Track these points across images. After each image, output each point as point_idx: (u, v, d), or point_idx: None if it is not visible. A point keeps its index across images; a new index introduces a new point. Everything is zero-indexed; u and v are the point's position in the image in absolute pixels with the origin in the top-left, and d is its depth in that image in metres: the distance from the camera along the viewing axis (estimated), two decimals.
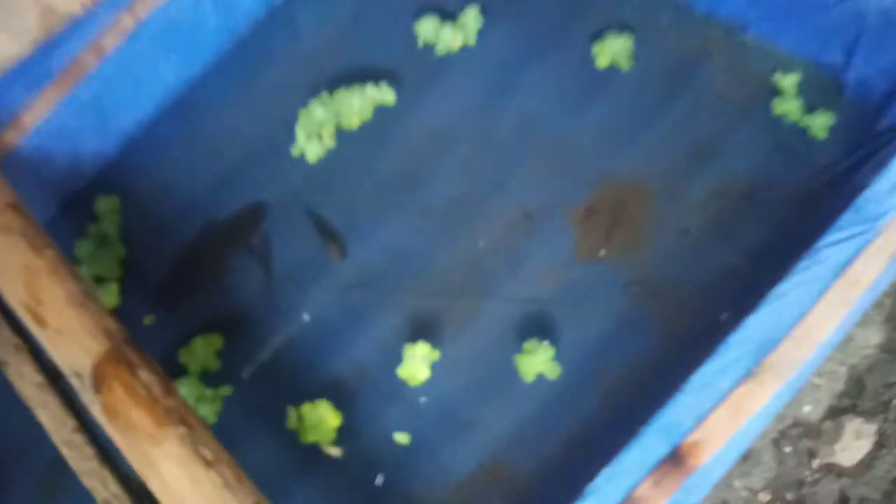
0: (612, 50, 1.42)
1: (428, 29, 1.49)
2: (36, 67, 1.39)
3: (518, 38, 1.50)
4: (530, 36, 1.49)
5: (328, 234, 1.43)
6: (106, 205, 1.46)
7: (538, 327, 1.30)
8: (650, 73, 1.43)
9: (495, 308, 1.33)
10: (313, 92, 1.50)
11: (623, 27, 1.46)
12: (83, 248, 1.43)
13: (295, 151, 1.46)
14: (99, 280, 1.42)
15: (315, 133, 1.45)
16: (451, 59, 1.50)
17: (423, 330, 1.33)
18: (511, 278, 1.35)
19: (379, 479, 1.26)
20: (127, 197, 1.49)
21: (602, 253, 1.34)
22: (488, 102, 1.47)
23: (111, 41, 1.43)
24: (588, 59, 1.45)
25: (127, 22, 1.43)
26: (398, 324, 1.35)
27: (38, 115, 1.40)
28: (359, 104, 1.45)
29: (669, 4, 1.46)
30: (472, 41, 1.49)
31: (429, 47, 1.51)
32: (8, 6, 1.35)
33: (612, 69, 1.44)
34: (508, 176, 1.42)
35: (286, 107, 1.51)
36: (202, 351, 1.35)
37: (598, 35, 1.46)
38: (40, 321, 1.12)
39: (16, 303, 1.14)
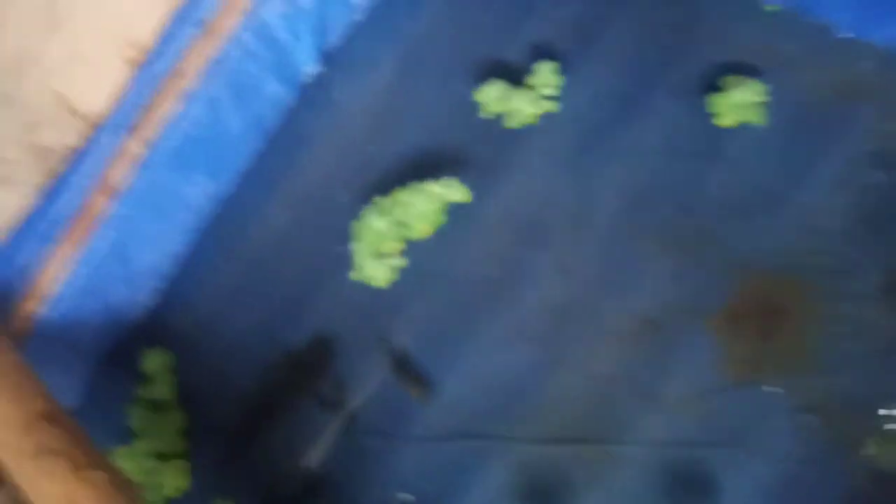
0: (738, 104, 1.11)
1: (494, 97, 1.20)
2: (43, 221, 1.17)
3: (609, 94, 1.19)
4: (625, 90, 1.19)
5: (407, 372, 1.19)
6: (156, 362, 1.24)
7: (691, 478, 1.05)
8: (787, 123, 1.12)
9: (630, 454, 1.08)
10: (365, 191, 1.24)
11: (744, 68, 1.14)
12: (138, 417, 1.22)
13: (355, 276, 1.21)
14: (162, 457, 1.21)
15: (377, 251, 1.20)
16: (527, 131, 1.21)
17: (540, 489, 1.10)
18: (644, 412, 1.09)
19: None
20: (174, 345, 1.27)
21: (757, 370, 1.07)
22: (582, 181, 1.19)
23: (121, 174, 1.19)
24: (702, 112, 1.15)
25: (135, 148, 1.19)
26: (508, 482, 1.11)
27: (56, 276, 1.19)
28: (425, 207, 1.19)
29: (803, 30, 1.13)
30: (550, 106, 1.20)
31: (497, 119, 1.23)
32: (1, 157, 1.13)
33: (741, 127, 1.14)
34: (620, 273, 1.15)
35: (336, 209, 1.26)
36: None
37: (711, 78, 1.15)
38: None
39: None
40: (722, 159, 1.14)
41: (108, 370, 1.25)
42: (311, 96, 1.30)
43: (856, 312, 1.05)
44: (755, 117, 1.12)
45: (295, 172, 1.30)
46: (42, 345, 1.18)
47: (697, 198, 1.14)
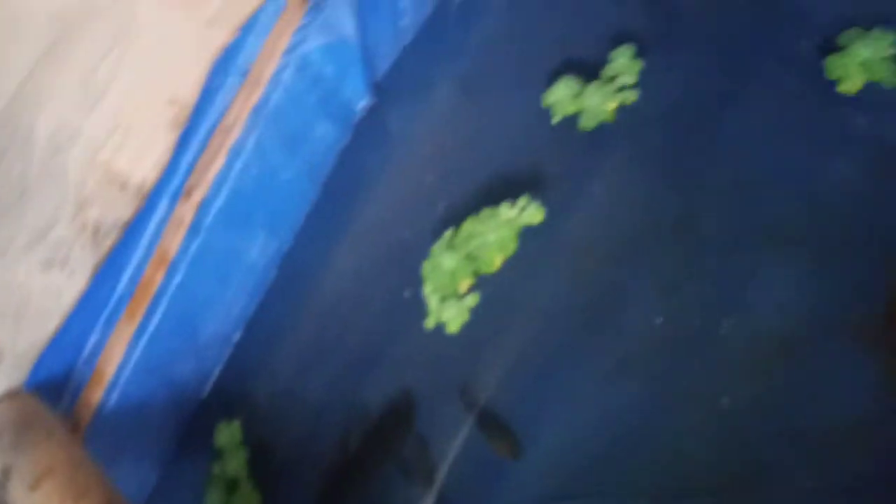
0: (867, 62, 0.89)
1: (564, 96, 1.05)
2: (98, 300, 1.12)
3: (699, 73, 1.01)
4: (717, 67, 1.00)
5: (493, 426, 1.03)
6: (227, 436, 1.16)
7: None
8: None
9: None
10: (431, 225, 1.11)
11: (865, 17, 0.93)
12: (213, 499, 1.14)
13: (429, 323, 1.08)
14: None
15: (450, 292, 1.06)
16: (604, 131, 1.04)
17: None
18: (794, 451, 0.87)
19: None
20: (245, 415, 1.18)
21: None
22: (675, 182, 1.01)
23: (176, 242, 1.13)
24: (819, 79, 0.94)
25: (187, 213, 1.12)
26: None
27: (117, 357, 1.13)
28: (497, 236, 1.04)
29: None
30: (630, 98, 1.03)
31: (570, 121, 1.06)
32: (53, 239, 1.09)
33: (868, 89, 0.92)
34: (737, 286, 0.95)
35: (403, 249, 1.14)
36: None
37: (826, 37, 0.95)
38: None
39: None
40: (850, 134, 0.92)
41: (181, 450, 1.18)
42: (364, 132, 1.21)
43: None
44: (887, 75, 0.89)
45: (354, 216, 1.20)
46: (109, 432, 1.12)
47: (824, 185, 0.93)
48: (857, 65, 0.90)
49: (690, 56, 1.02)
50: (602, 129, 1.03)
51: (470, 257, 1.06)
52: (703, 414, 0.93)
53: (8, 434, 1.05)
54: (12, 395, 1.09)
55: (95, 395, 1.12)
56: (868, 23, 0.93)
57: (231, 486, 1.13)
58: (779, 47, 0.98)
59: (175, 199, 1.13)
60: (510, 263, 1.06)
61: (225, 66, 1.13)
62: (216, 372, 1.21)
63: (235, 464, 1.13)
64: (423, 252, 1.10)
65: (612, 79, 1.02)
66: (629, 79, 1.01)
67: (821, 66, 0.94)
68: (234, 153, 1.12)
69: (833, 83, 0.92)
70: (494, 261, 1.05)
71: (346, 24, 1.15)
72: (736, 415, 0.91)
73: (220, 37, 1.11)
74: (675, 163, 1.01)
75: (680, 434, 0.93)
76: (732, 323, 0.94)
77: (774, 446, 0.89)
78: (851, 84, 0.90)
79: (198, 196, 1.12)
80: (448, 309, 1.06)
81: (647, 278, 0.99)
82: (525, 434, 1.01)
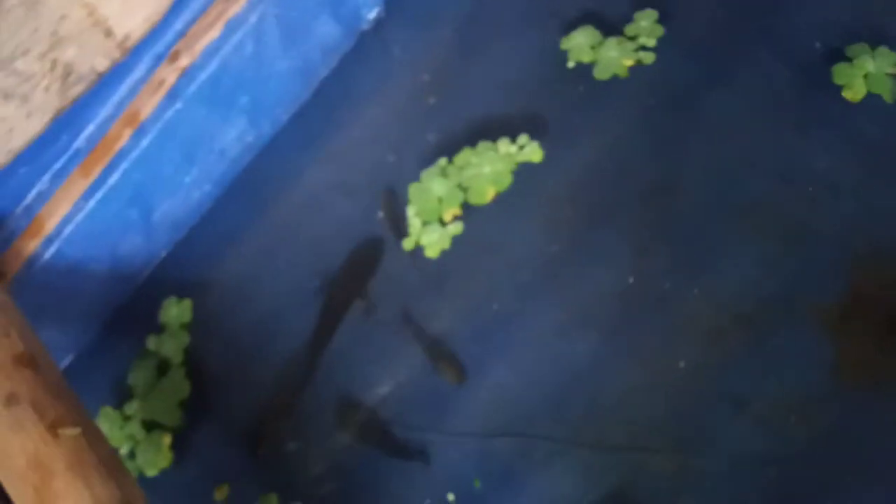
0: (870, 75, 0.94)
1: (583, 44, 1.06)
2: (54, 149, 1.04)
3: (711, 49, 1.04)
4: (729, 46, 1.03)
5: (441, 352, 1.02)
6: (174, 314, 1.09)
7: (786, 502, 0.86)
8: None
9: (720, 470, 0.89)
10: (418, 149, 1.10)
11: (877, 40, 0.98)
12: (139, 376, 1.07)
13: (407, 245, 1.06)
14: (150, 426, 1.05)
15: (433, 218, 1.04)
16: (614, 84, 1.05)
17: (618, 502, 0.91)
18: (736, 419, 0.90)
19: None
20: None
21: (878, 374, 0.89)
22: (668, 148, 1.03)
23: (150, 105, 1.06)
24: (826, 84, 0.98)
25: (169, 77, 1.06)
26: (559, 492, 0.92)
27: (61, 212, 1.05)
28: (492, 169, 1.04)
29: None
30: (647, 58, 1.05)
31: (583, 69, 1.06)
32: (18, 70, 1.00)
33: (869, 99, 0.97)
34: (707, 257, 0.98)
35: (383, 171, 1.12)
36: None
37: (835, 43, 0.99)
38: None
39: None
40: (843, 134, 0.97)
41: (112, 324, 1.11)
42: (367, 43, 1.17)
43: None
44: (887, 90, 0.95)
45: (340, 127, 1.16)
46: (38, 287, 1.04)
47: (804, 174, 0.97)
48: (861, 76, 0.96)
49: (708, 36, 1.05)
50: (613, 83, 1.04)
51: (461, 187, 1.05)
52: (659, 374, 0.95)
53: None
54: None
55: (29, 246, 1.03)
56: (874, 40, 0.99)
57: (162, 367, 1.06)
58: (792, 45, 1.02)
59: (157, 62, 1.07)
60: (497, 200, 1.06)
61: None
62: (162, 255, 1.14)
63: (174, 345, 1.07)
64: (403, 178, 1.08)
65: (632, 38, 1.04)
66: (649, 41, 1.03)
67: (828, 70, 0.98)
68: (232, 26, 1.06)
69: (838, 88, 0.97)
70: (487, 193, 1.04)
71: None
72: (690, 378, 0.94)
73: None
74: (668, 129, 1.03)
75: (632, 390, 0.95)
76: (700, 291, 0.97)
77: (718, 412, 0.92)
78: (854, 92, 0.96)
79: (185, 61, 1.05)
80: (430, 234, 1.04)
81: (625, 237, 1.01)
82: (475, 368, 1.00)
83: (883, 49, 0.97)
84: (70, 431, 0.80)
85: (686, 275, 0.98)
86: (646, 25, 1.03)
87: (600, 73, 1.04)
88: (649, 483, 0.91)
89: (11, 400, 0.83)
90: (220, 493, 1.01)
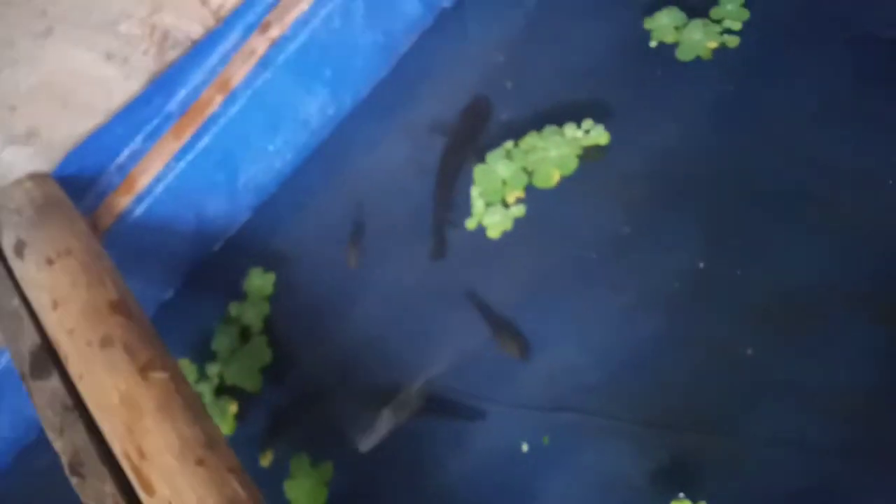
0: None
1: (667, 24, 1.05)
2: (148, 110, 1.09)
3: (801, 41, 1.02)
4: (815, 35, 1.02)
5: (504, 326, 1.04)
6: (258, 284, 1.13)
7: (827, 492, 0.86)
8: None
9: (776, 459, 0.89)
10: (489, 130, 1.11)
11: None
12: (222, 342, 1.12)
13: (470, 224, 1.08)
14: (220, 392, 1.10)
15: (496, 199, 1.06)
16: (695, 68, 1.05)
17: (650, 478, 0.92)
18: (799, 410, 0.90)
19: None
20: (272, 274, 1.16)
21: None
22: (742, 135, 1.02)
23: (241, 72, 1.10)
24: None
25: (260, 47, 1.10)
26: (611, 468, 0.94)
27: (153, 171, 1.10)
28: (558, 154, 1.05)
29: None
30: (731, 42, 1.04)
31: (665, 49, 1.06)
32: (121, 32, 1.05)
33: None
34: (780, 246, 0.97)
35: (454, 152, 1.14)
36: None
37: None
38: (146, 486, 0.80)
39: (118, 450, 0.83)
40: None
41: (192, 282, 1.16)
42: (447, 21, 1.20)
43: None
44: None
45: (416, 104, 1.19)
46: (128, 242, 1.10)
47: (886, 171, 0.96)
48: None
49: (795, 24, 1.04)
50: (692, 66, 1.04)
51: (525, 170, 1.07)
52: (725, 360, 0.95)
53: (28, 211, 1.01)
54: (38, 176, 1.06)
55: (122, 202, 1.09)
56: None
57: (244, 334, 1.11)
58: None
59: (249, 32, 1.11)
60: (562, 183, 1.07)
61: None
62: (243, 219, 1.18)
63: (255, 313, 1.11)
64: (476, 157, 1.10)
65: (717, 21, 1.04)
66: (735, 24, 1.03)
67: None
68: (321, 1, 1.10)
69: None
70: (553, 177, 1.05)
71: None
72: (756, 366, 0.94)
73: None
74: (744, 115, 1.02)
75: (696, 374, 0.95)
76: (772, 281, 0.97)
77: (778, 398, 0.91)
78: None
79: (275, 32, 1.09)
80: (493, 215, 1.06)
81: (696, 223, 1.01)
82: (538, 345, 1.02)
83: None
84: (159, 374, 0.85)
85: (758, 264, 0.98)
86: (732, 9, 1.03)
87: (683, 55, 1.03)
88: (701, 465, 0.92)
89: (106, 342, 0.88)
90: (265, 459, 1.05)
